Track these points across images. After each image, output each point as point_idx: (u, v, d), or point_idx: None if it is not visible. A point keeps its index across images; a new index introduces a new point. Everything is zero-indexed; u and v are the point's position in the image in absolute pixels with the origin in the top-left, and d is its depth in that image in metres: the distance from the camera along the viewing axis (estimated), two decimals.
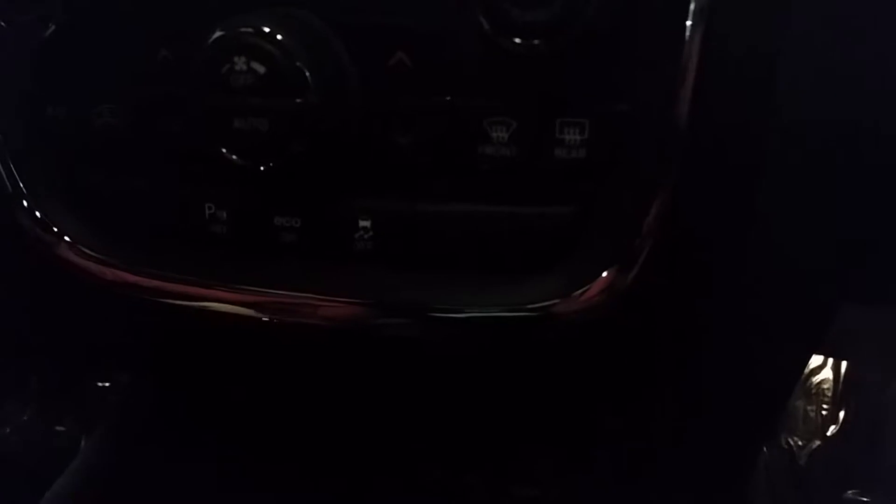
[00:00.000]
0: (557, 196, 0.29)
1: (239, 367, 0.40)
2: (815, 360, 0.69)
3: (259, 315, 0.34)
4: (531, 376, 0.34)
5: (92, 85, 0.33)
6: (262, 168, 0.29)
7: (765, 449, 0.66)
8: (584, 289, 0.28)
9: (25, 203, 0.34)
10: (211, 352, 0.39)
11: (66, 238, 0.34)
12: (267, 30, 0.28)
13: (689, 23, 0.26)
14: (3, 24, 0.31)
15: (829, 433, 0.68)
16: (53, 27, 0.31)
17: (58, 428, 0.66)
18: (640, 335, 0.32)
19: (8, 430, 0.66)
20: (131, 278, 0.34)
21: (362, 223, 0.31)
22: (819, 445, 0.68)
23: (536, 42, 0.25)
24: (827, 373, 0.70)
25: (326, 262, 0.32)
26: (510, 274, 0.30)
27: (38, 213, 0.34)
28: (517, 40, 0.25)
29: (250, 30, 0.28)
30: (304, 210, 0.32)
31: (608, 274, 0.28)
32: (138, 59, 0.32)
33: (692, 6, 0.26)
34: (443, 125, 0.29)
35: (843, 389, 0.68)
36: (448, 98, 0.28)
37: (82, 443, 0.63)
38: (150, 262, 0.34)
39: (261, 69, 0.28)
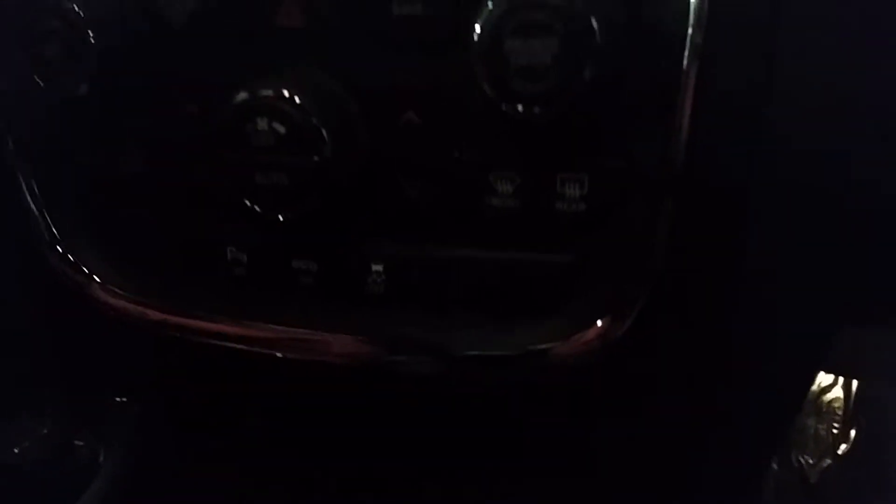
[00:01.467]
0: (558, 245, 0.30)
1: (257, 398, 0.42)
2: (826, 378, 0.70)
3: (276, 350, 0.36)
4: (535, 410, 0.36)
5: (121, 134, 0.36)
6: (281, 217, 0.31)
7: (775, 466, 0.66)
8: (582, 333, 0.30)
9: (59, 249, 0.36)
10: (231, 383, 0.41)
11: (97, 279, 0.37)
12: (286, 93, 0.30)
13: (680, 85, 0.27)
14: (41, 83, 0.34)
15: (840, 451, 0.68)
16: (88, 85, 0.33)
17: (76, 442, 0.67)
18: (640, 371, 0.33)
19: (27, 444, 0.67)
20: (158, 315, 0.37)
21: (375, 267, 0.33)
22: (830, 464, 0.68)
23: (536, 110, 0.26)
24: (838, 391, 0.70)
25: (341, 303, 0.34)
26: (513, 316, 0.32)
27: (70, 257, 0.36)
28: (519, 107, 0.26)
29: (271, 93, 0.30)
30: (321, 254, 0.34)
31: (604, 320, 0.30)
32: (166, 112, 0.34)
33: (684, 67, 0.27)
34: (451, 178, 0.31)
35: (854, 408, 0.69)
36: (456, 154, 0.30)
37: (101, 457, 0.64)
38: (176, 300, 0.36)
39: (281, 129, 0.30)
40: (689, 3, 0.27)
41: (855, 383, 0.68)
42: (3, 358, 0.49)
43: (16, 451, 0.60)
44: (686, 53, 0.27)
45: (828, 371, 0.63)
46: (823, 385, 0.72)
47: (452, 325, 0.33)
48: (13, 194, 0.39)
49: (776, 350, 0.34)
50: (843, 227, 0.31)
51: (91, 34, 0.33)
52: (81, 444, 0.65)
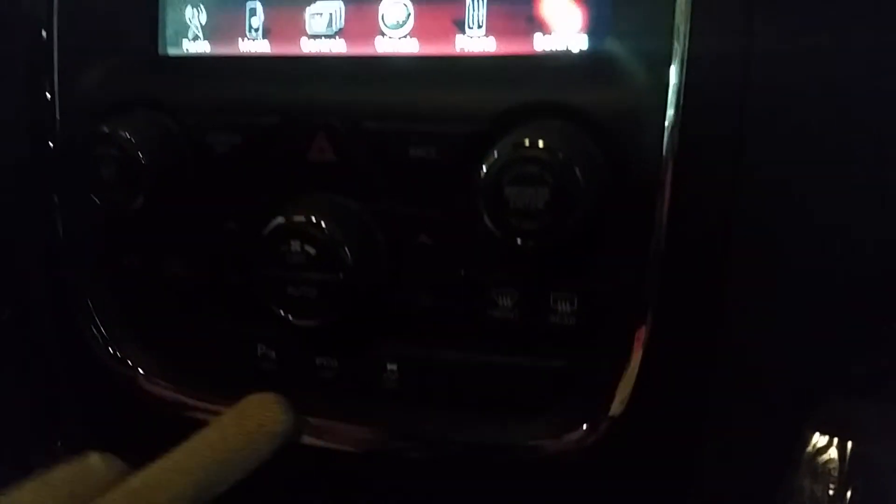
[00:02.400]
0: (552, 352, 0.35)
1: (275, 478, 0.46)
2: (822, 440, 0.72)
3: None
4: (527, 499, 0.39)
5: (165, 243, 0.40)
6: (308, 323, 0.36)
7: None
8: (570, 433, 0.34)
9: (111, 350, 0.41)
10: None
11: (141, 371, 0.41)
12: (315, 219, 0.34)
13: (654, 222, 0.32)
14: (98, 200, 0.39)
15: None
16: (141, 202, 0.38)
17: None
18: (626, 465, 0.37)
19: None
20: (194, 403, 0.41)
21: (390, 366, 0.37)
22: None
23: (531, 243, 0.31)
24: (833, 453, 0.72)
25: (358, 396, 0.38)
26: (510, 414, 0.36)
27: (118, 354, 0.41)
28: (517, 241, 0.31)
29: (303, 219, 0.35)
30: (342, 353, 0.38)
31: (589, 422, 0.34)
32: (207, 227, 0.39)
33: (656, 207, 0.32)
34: (457, 292, 0.35)
35: (850, 469, 0.71)
36: (462, 272, 0.35)
37: None
38: (211, 390, 0.40)
39: (312, 251, 0.34)
40: (661, 153, 0.32)
41: (850, 444, 0.71)
42: (19, 403, 0.53)
43: None
44: (658, 195, 0.32)
45: (822, 433, 0.66)
46: (819, 446, 0.75)
47: (456, 418, 0.37)
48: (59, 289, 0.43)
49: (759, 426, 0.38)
50: (822, 319, 0.35)
51: (143, 159, 0.38)
52: None
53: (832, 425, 0.49)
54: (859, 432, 0.51)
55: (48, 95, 0.42)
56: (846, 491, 0.65)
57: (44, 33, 0.43)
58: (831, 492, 0.66)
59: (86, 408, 0.49)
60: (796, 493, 0.65)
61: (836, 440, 0.64)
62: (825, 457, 0.68)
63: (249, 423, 0.33)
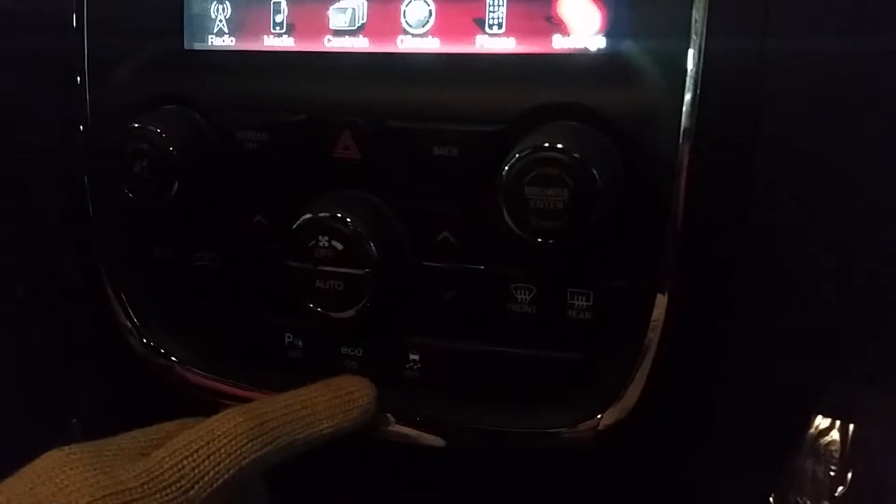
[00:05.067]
0: (569, 345, 0.36)
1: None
2: (824, 422, 0.74)
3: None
4: (544, 485, 0.41)
5: (196, 236, 0.42)
6: (335, 315, 0.38)
7: None
8: (586, 422, 0.36)
9: (145, 340, 0.43)
10: None
11: (174, 359, 0.43)
12: (341, 215, 0.36)
13: (669, 222, 0.33)
14: (131, 194, 0.40)
15: (837, 494, 0.72)
16: (172, 196, 0.39)
17: None
18: (639, 452, 0.39)
19: None
20: (226, 389, 0.43)
21: (412, 356, 0.39)
22: None
23: (550, 242, 0.32)
24: (835, 434, 0.74)
25: (382, 385, 0.39)
26: (528, 403, 0.37)
27: (151, 343, 0.43)
28: (537, 239, 0.32)
29: (328, 215, 0.36)
30: (366, 344, 0.39)
31: (606, 412, 0.35)
32: (237, 220, 0.40)
33: (671, 208, 0.33)
34: (478, 287, 0.37)
35: (851, 451, 0.72)
36: (482, 267, 0.36)
37: None
38: (243, 378, 0.42)
39: (339, 246, 0.36)
40: (676, 154, 0.33)
41: (852, 427, 0.72)
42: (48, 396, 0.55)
43: None
44: (673, 195, 0.33)
45: (825, 415, 0.67)
46: (821, 428, 0.76)
47: (475, 407, 0.38)
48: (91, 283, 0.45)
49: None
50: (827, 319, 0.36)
51: (174, 153, 0.39)
52: None
53: (835, 409, 0.51)
54: (860, 417, 0.53)
55: (79, 90, 0.43)
56: (846, 472, 0.67)
57: (74, 27, 0.44)
58: (832, 473, 0.67)
59: (118, 393, 0.51)
60: (798, 474, 0.67)
61: (838, 423, 0.66)
62: (827, 439, 0.70)
63: (338, 390, 0.35)
